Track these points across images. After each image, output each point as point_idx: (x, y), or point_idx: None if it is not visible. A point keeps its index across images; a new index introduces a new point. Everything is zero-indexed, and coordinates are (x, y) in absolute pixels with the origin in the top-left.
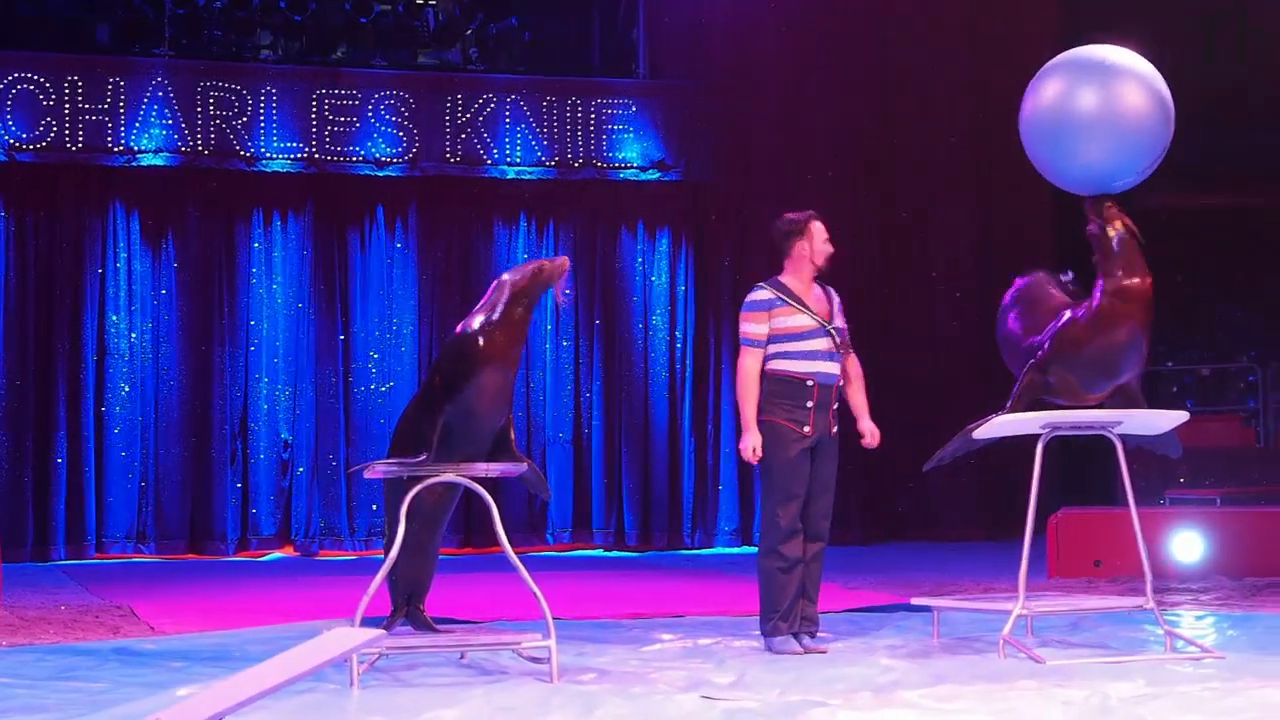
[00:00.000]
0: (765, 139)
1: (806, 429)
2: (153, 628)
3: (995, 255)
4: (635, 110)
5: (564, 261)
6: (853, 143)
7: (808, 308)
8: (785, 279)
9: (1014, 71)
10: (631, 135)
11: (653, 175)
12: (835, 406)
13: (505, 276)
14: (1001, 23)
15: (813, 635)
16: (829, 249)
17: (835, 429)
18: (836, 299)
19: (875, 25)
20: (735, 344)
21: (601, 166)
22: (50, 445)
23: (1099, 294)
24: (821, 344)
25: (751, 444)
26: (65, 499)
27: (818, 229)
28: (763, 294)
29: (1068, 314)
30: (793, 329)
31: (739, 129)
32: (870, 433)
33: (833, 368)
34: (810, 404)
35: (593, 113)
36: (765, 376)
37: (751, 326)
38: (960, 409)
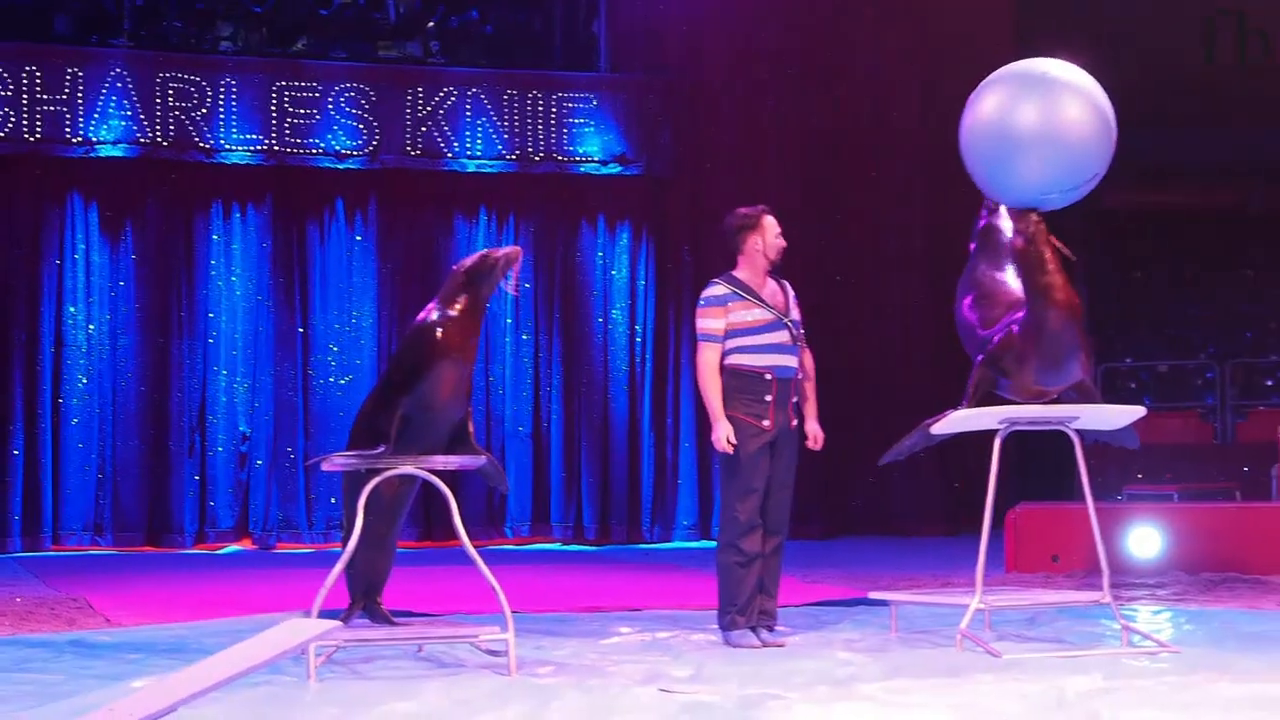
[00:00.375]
0: (727, 134)
1: (766, 423)
2: (109, 620)
3: (950, 249)
4: (596, 104)
5: (516, 250)
6: (813, 139)
7: (764, 301)
8: (739, 274)
9: (968, 68)
10: (592, 129)
11: (613, 169)
12: (795, 400)
13: (460, 266)
14: (957, 20)
15: (770, 629)
16: (781, 243)
17: (795, 423)
18: (791, 292)
19: (835, 23)
20: (695, 339)
21: (562, 160)
22: (7, 437)
23: (1027, 312)
24: (779, 337)
25: (724, 434)
26: (22, 491)
27: (770, 223)
28: (718, 289)
29: (1015, 318)
30: (750, 323)
31: (700, 124)
32: (814, 436)
33: (791, 361)
34: (769, 398)
35: (554, 106)
36: (724, 371)
37: (709, 322)
38: (918, 403)
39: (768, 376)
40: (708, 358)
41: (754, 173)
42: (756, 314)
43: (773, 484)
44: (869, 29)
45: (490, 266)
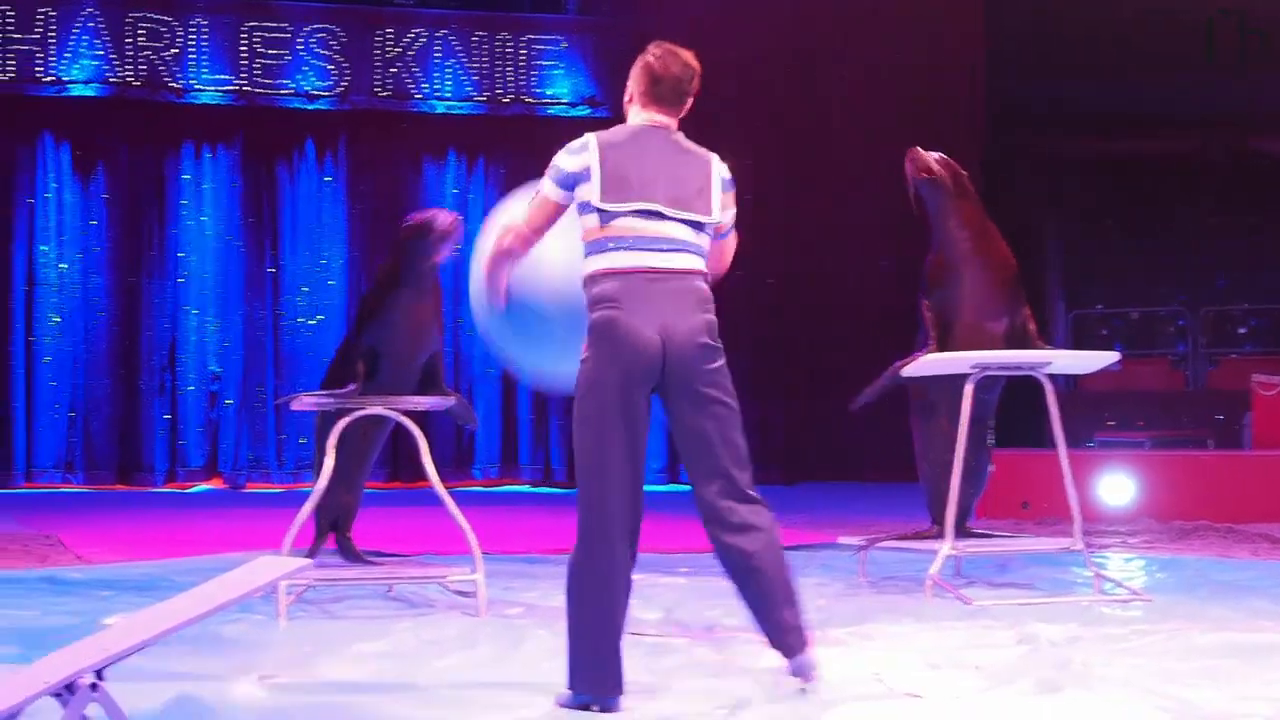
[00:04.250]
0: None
1: None
2: (80, 557)
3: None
4: (566, 46)
5: (455, 221)
6: (781, 83)
7: None
8: None
9: (937, 51)
10: (561, 71)
11: (583, 111)
12: None
13: (405, 225)
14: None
15: None
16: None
17: None
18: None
19: None
20: None
21: (531, 102)
22: None
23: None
24: None
25: None
26: None
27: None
28: None
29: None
30: None
31: None
32: None
33: None
34: None
35: (523, 48)
36: None
37: None
38: (880, 351)
39: None
40: None
41: (720, 116)
42: None
43: None
44: None
45: (425, 236)
